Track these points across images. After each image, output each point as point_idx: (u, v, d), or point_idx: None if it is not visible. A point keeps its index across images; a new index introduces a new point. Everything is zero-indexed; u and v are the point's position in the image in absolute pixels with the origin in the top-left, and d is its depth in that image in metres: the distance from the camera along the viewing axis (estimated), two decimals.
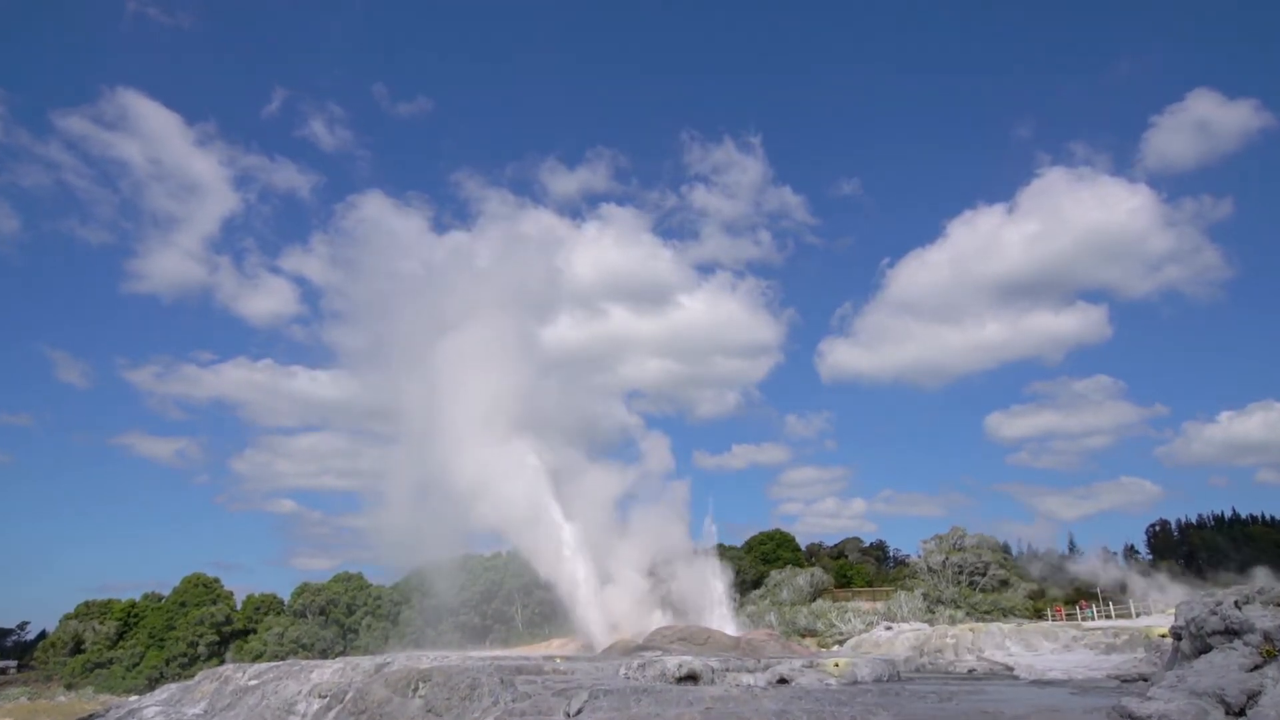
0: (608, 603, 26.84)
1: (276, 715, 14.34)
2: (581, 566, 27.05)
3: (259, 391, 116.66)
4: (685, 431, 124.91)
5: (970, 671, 20.89)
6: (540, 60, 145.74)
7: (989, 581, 43.10)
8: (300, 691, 14.49)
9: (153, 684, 37.28)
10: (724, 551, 55.41)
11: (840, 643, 33.55)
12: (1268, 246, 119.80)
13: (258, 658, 38.77)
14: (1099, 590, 45.24)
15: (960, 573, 43.69)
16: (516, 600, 41.70)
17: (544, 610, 27.94)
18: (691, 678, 14.19)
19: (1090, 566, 52.98)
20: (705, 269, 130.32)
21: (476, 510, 29.00)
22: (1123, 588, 44.96)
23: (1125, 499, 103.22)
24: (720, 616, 27.96)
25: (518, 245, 40.39)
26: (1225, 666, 8.11)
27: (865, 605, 42.52)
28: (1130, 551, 67.41)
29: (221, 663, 35.45)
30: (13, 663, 55.36)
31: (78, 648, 47.90)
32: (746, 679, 14.51)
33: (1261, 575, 40.17)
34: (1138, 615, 34.21)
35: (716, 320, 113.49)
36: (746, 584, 49.65)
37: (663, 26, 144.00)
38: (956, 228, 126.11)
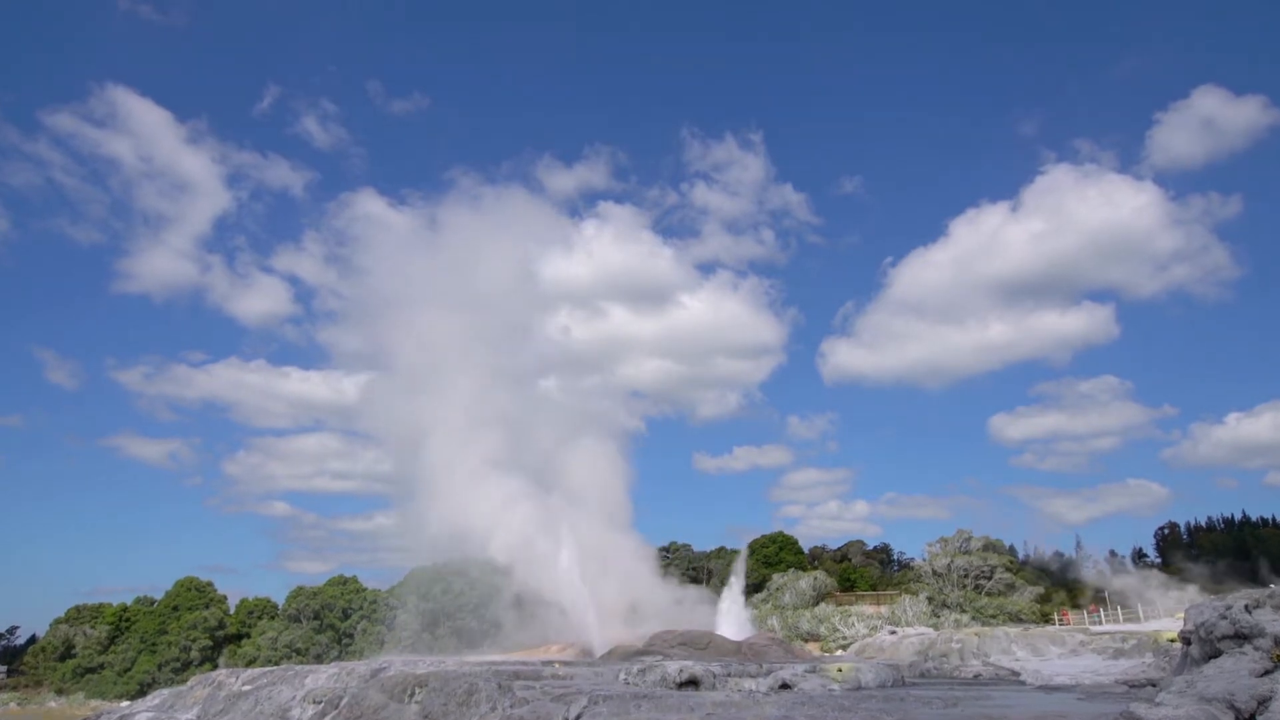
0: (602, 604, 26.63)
1: None
2: (579, 576, 26.84)
3: (251, 392, 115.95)
4: (686, 433, 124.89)
5: (976, 676, 20.68)
6: (537, 56, 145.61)
7: (995, 585, 42.76)
8: (294, 697, 14.38)
9: (145, 689, 37.03)
10: (725, 554, 55.34)
11: (844, 647, 33.32)
12: (1276, 245, 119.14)
13: (251, 663, 38.58)
14: (1106, 594, 44.86)
15: (966, 576, 43.35)
16: (515, 605, 41.48)
17: (542, 615, 27.81)
18: (692, 683, 14.03)
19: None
20: (706, 268, 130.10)
21: (472, 541, 28.99)
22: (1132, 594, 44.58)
23: (1132, 501, 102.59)
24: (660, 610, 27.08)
25: (510, 244, 40.18)
26: (1235, 671, 7.94)
27: (869, 609, 42.23)
28: (1139, 555, 66.98)
29: (214, 668, 35.39)
30: (2, 668, 55.10)
31: (68, 652, 47.71)
32: (748, 684, 14.37)
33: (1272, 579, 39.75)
34: (1146, 620, 33.85)
35: (718, 320, 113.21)
36: (748, 587, 49.34)
37: (662, 21, 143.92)
38: (959, 226, 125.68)
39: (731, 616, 29.34)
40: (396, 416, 35.92)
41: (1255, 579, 41.99)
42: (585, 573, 26.79)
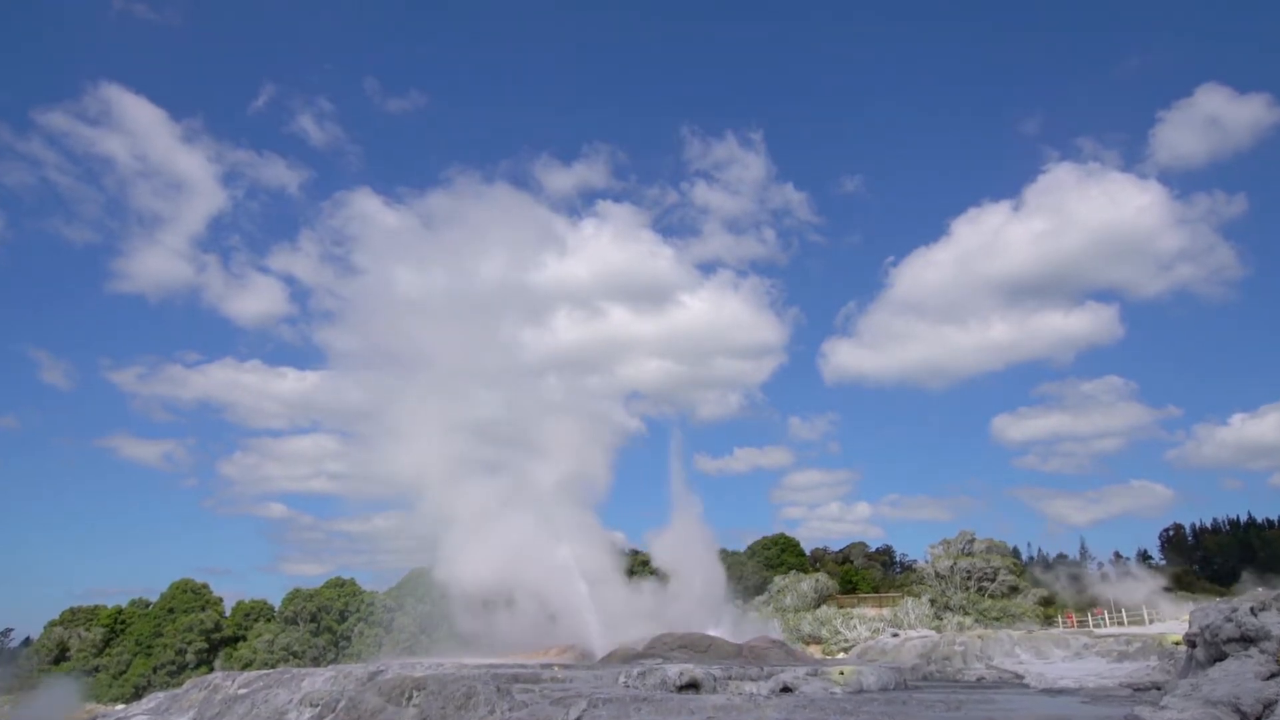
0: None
1: None
2: (579, 576, 26.72)
3: (247, 393, 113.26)
4: (686, 434, 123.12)
5: (979, 680, 20.57)
6: (535, 53, 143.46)
7: (998, 587, 42.55)
8: (291, 700, 14.32)
9: (140, 692, 36.77)
10: (726, 556, 55.16)
11: (845, 650, 33.19)
12: None
13: (247, 666, 38.35)
14: (1110, 596, 44.66)
15: (969, 578, 43.16)
16: (514, 607, 41.41)
17: (541, 617, 27.68)
18: (693, 686, 13.96)
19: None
20: (707, 267, 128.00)
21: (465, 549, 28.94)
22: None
23: (1137, 503, 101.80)
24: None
25: (508, 243, 40.15)
26: (1240, 674, 7.85)
27: (871, 612, 42.03)
28: (1144, 557, 66.72)
29: (210, 671, 35.14)
30: None
31: (63, 655, 47.37)
32: (749, 687, 14.29)
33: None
34: (1151, 622, 33.65)
35: (718, 320, 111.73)
36: (749, 590, 49.20)
37: (661, 18, 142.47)
38: (961, 226, 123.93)
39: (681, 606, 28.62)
40: (386, 418, 35.95)
41: (1260, 581, 41.74)
42: (525, 553, 26.50)
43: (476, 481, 30.35)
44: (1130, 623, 35.01)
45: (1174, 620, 30.66)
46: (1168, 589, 45.01)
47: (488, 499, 29.41)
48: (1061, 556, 65.19)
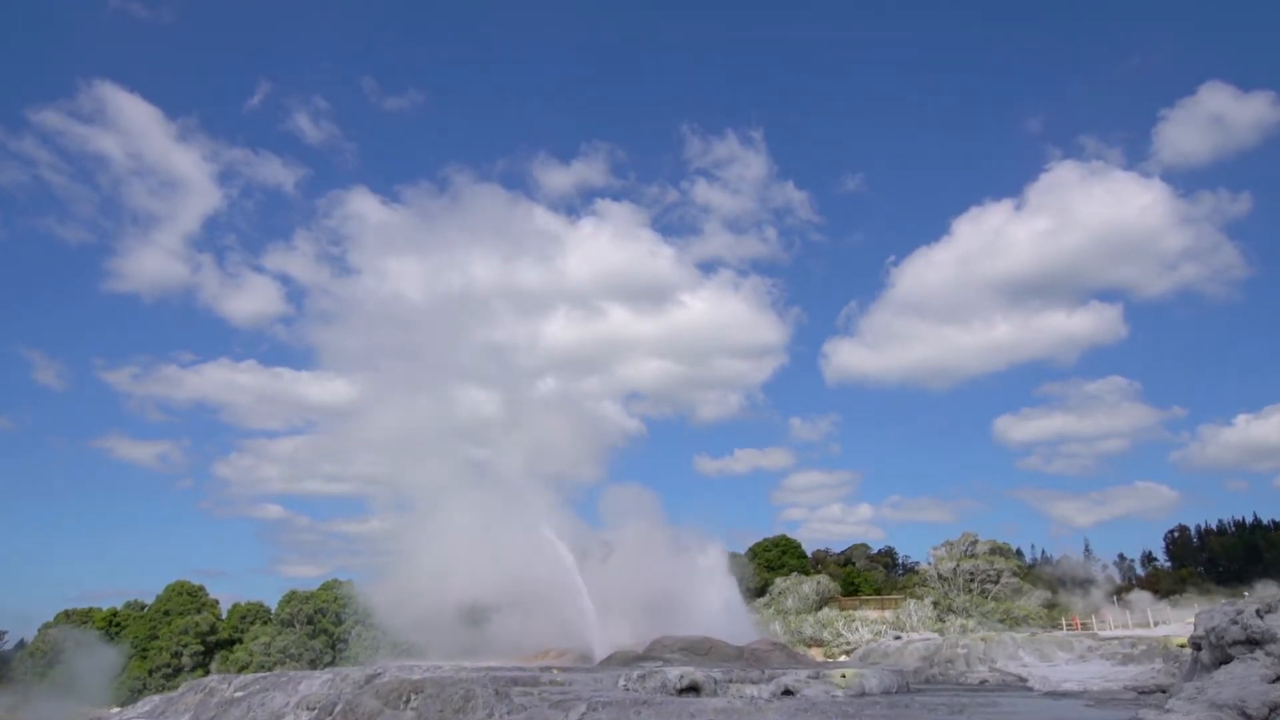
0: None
1: None
2: (578, 575, 26.67)
3: (242, 393, 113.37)
4: (686, 435, 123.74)
5: (982, 683, 20.45)
6: (534, 51, 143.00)
7: (1001, 590, 42.43)
8: (288, 703, 14.25)
9: (135, 695, 36.63)
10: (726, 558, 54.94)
11: (847, 653, 33.07)
12: None
13: (244, 668, 38.22)
14: (1115, 598, 44.49)
15: (972, 580, 43.05)
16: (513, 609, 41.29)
17: (540, 619, 27.62)
18: (693, 689, 13.89)
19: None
20: (707, 267, 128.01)
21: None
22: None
23: (1141, 504, 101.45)
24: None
25: (506, 244, 40.33)
26: (1246, 677, 7.76)
27: (873, 614, 41.94)
28: (1148, 559, 66.50)
29: (206, 674, 35.12)
30: None
31: (57, 658, 47.65)
32: (750, 690, 14.22)
33: None
34: (1156, 625, 33.48)
35: (719, 320, 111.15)
36: (750, 592, 49.06)
37: (661, 15, 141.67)
38: (963, 225, 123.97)
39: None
40: (380, 418, 35.93)
41: (1266, 584, 41.53)
42: (519, 554, 26.36)
43: (466, 480, 30.26)
44: (1135, 625, 34.86)
45: (1179, 623, 30.50)
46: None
47: (479, 500, 29.35)
48: (1065, 558, 65.01)
